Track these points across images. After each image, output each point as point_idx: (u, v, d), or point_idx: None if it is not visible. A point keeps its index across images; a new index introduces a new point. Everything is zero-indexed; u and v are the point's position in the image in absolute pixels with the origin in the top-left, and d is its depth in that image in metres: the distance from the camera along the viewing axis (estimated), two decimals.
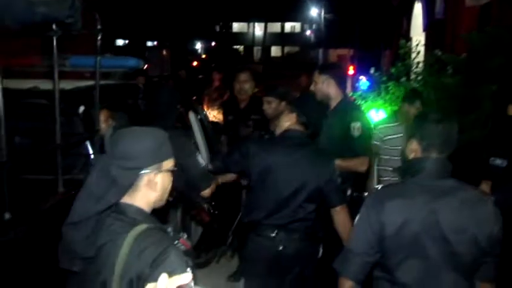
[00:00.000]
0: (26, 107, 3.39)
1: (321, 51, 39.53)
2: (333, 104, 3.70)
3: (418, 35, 12.10)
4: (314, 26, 45.13)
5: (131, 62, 4.34)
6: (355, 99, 6.92)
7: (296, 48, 51.49)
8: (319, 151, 3.19)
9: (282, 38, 53.02)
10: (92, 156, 3.27)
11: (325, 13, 35.25)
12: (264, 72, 22.15)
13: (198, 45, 41.05)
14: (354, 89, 12.30)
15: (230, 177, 3.53)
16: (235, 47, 50.10)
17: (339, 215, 3.01)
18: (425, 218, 2.02)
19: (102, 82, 3.33)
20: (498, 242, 2.06)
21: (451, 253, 2.01)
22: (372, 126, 5.51)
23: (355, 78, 15.33)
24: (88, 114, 3.36)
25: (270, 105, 4.12)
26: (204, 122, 5.08)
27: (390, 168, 4.10)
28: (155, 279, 1.07)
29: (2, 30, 2.84)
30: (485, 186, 3.88)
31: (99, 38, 3.06)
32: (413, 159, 2.15)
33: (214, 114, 7.43)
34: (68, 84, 3.53)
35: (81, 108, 3.39)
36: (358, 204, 3.37)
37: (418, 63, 6.08)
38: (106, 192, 1.66)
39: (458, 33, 7.89)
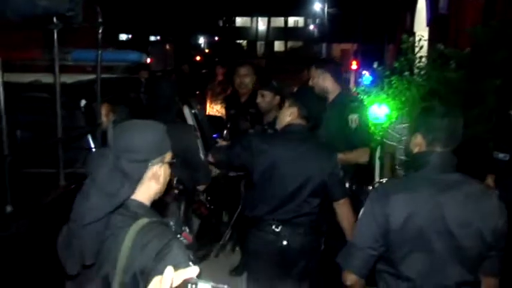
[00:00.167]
0: (28, 101, 3.39)
1: (324, 45, 39.52)
2: (331, 97, 3.77)
3: (421, 30, 12.05)
4: (317, 21, 45.09)
5: (133, 55, 4.33)
6: (358, 94, 6.90)
7: (299, 43, 51.39)
8: (322, 145, 3.19)
9: (285, 33, 52.90)
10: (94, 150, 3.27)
11: (328, 7, 35.22)
12: (267, 67, 22.12)
13: (201, 40, 40.94)
14: (357, 83, 12.25)
15: None
16: (238, 41, 50.04)
17: (342, 208, 3.01)
18: (431, 212, 2.00)
19: (104, 76, 3.32)
20: (503, 236, 2.05)
21: (456, 247, 1.99)
22: (381, 123, 5.52)
23: (358, 73, 15.28)
24: (90, 107, 3.35)
25: (264, 98, 4.15)
26: (198, 116, 5.08)
27: None
28: (160, 273, 1.06)
29: (3, 23, 2.82)
30: (490, 181, 3.88)
31: (100, 31, 3.05)
32: (418, 153, 2.14)
33: (217, 109, 7.42)
34: (69, 78, 3.52)
35: (83, 102, 3.38)
36: (357, 197, 3.39)
37: (421, 57, 6.05)
38: (119, 188, 1.64)
39: (462, 28, 7.84)
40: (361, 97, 6.44)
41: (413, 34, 10.31)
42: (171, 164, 1.84)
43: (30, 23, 2.81)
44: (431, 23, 11.77)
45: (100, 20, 3.03)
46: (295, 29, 53.30)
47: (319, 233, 3.10)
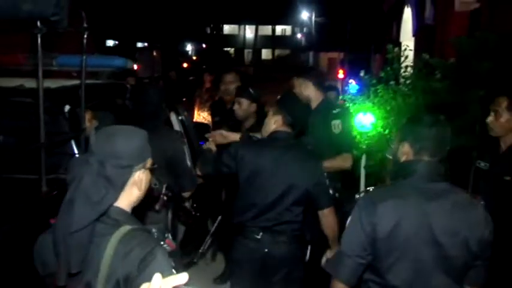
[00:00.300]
0: (11, 105, 3.35)
1: (311, 54, 39.77)
2: (314, 105, 3.78)
3: (407, 40, 12.17)
4: (305, 30, 45.41)
5: (118, 61, 4.31)
6: (345, 101, 6.93)
7: (287, 51, 51.70)
8: (308, 152, 3.19)
9: (273, 41, 53.19)
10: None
11: (316, 17, 35.48)
12: (255, 75, 22.19)
13: (189, 47, 40.90)
14: (344, 92, 12.31)
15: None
16: (226, 49, 50.13)
17: (327, 217, 3.01)
18: (418, 220, 2.00)
19: (88, 81, 3.29)
20: (488, 246, 2.05)
21: (442, 256, 1.99)
22: (366, 131, 5.53)
23: (345, 82, 15.36)
24: (74, 113, 3.32)
25: (241, 106, 4.13)
26: (185, 123, 5.06)
27: None
28: (145, 280, 1.05)
29: None
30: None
31: (85, 36, 3.03)
32: (405, 162, 2.14)
33: (204, 116, 7.42)
34: (53, 83, 3.49)
35: (67, 107, 3.34)
36: (341, 204, 3.39)
37: (406, 67, 6.10)
38: (104, 195, 1.63)
39: (447, 38, 7.93)
40: (348, 105, 6.48)
41: (399, 44, 10.39)
42: (151, 170, 1.83)
43: (13, 26, 2.78)
44: (417, 33, 11.89)
45: (85, 25, 3.01)
46: (283, 37, 53.62)
47: (303, 242, 3.08)
